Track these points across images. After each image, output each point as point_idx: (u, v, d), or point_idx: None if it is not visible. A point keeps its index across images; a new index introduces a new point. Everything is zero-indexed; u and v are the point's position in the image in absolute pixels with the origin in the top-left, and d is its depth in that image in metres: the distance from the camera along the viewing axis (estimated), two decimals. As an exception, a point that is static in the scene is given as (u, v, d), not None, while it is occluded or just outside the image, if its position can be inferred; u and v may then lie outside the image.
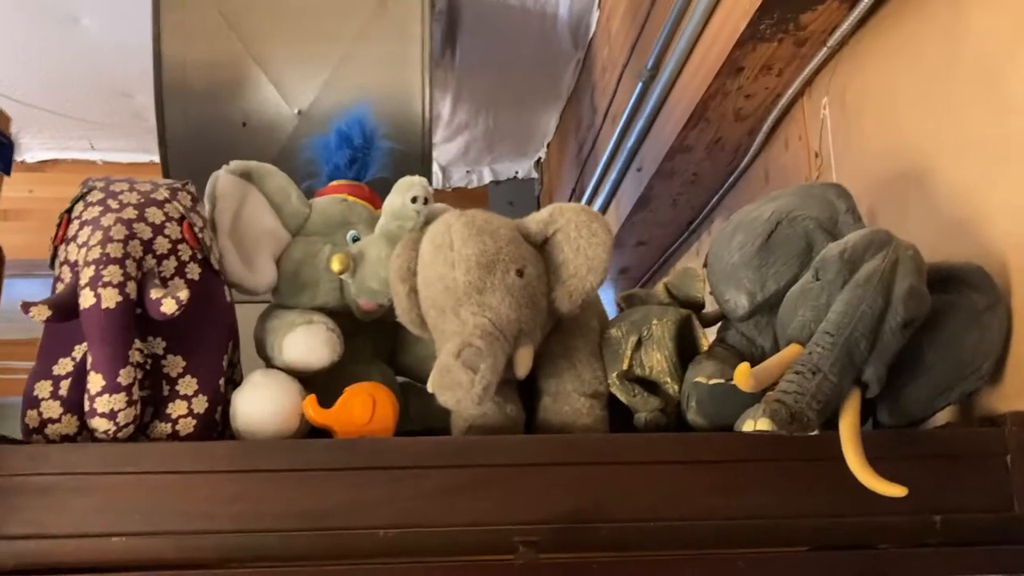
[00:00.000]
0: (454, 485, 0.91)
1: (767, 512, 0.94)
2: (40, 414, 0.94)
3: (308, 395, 1.00)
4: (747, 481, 0.94)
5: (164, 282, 0.96)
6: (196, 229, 1.01)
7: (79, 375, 0.94)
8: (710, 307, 1.15)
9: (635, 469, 0.94)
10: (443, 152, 3.34)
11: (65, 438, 0.94)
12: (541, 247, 1.04)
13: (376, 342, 1.17)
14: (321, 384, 1.04)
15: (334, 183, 1.19)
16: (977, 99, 1.08)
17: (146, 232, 0.96)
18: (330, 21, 1.68)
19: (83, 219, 0.96)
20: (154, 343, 0.97)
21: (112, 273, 0.90)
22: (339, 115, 1.23)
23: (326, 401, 1.00)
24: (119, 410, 0.90)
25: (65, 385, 0.95)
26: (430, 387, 0.93)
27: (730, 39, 1.40)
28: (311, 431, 1.01)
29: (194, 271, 1.00)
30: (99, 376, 0.90)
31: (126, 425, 0.91)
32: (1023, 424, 0.95)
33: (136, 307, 0.92)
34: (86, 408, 0.91)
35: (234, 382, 1.05)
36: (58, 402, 0.94)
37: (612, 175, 2.23)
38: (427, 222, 1.05)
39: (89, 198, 0.98)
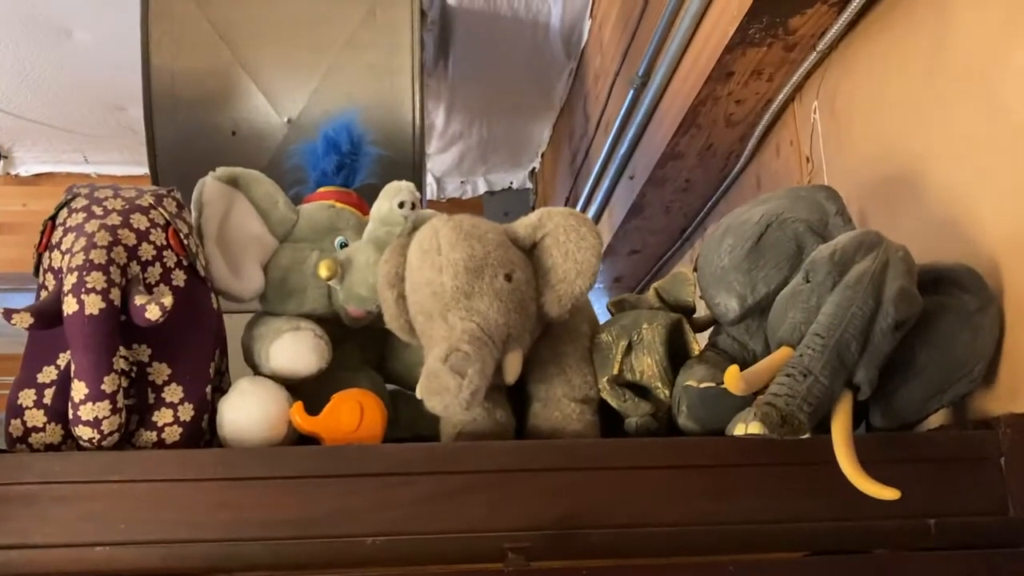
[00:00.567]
0: (443, 492, 0.90)
1: (759, 517, 0.93)
2: (24, 423, 0.93)
3: (295, 402, 0.99)
4: (739, 485, 0.93)
5: (149, 289, 0.95)
6: (182, 235, 1.00)
7: (63, 383, 0.93)
8: (701, 312, 1.15)
9: (626, 474, 0.93)
10: (437, 163, 3.34)
11: (49, 447, 0.93)
12: (530, 252, 1.03)
13: (365, 349, 1.16)
14: (309, 391, 1.03)
15: (322, 189, 1.18)
16: (965, 100, 1.08)
17: (131, 238, 0.95)
18: (319, 30, 1.68)
19: (67, 225, 0.95)
20: (139, 350, 0.96)
21: (96, 279, 0.89)
22: (327, 123, 1.22)
23: (314, 408, 0.99)
24: (103, 418, 0.89)
25: (49, 394, 0.94)
26: (418, 393, 0.92)
27: (719, 44, 1.40)
28: (299, 439, 1.00)
29: (179, 278, 0.99)
30: (83, 384, 0.89)
31: (111, 433, 0.90)
32: (1016, 426, 0.94)
33: (120, 314, 0.91)
34: (70, 416, 0.90)
35: (221, 390, 1.04)
36: (42, 411, 0.93)
37: (605, 184, 2.23)
38: (415, 227, 1.05)
39: (73, 204, 0.97)
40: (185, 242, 1.00)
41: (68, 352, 0.93)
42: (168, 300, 0.90)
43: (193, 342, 0.99)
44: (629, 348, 1.04)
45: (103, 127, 3.04)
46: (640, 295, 1.20)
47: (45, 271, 0.97)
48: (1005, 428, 0.95)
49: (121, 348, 0.93)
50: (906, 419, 0.97)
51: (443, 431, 1.02)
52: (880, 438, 0.97)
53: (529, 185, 3.57)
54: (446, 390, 0.89)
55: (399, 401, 1.15)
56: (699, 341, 1.09)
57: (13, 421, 0.93)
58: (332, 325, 1.10)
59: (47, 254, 0.97)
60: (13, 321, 0.89)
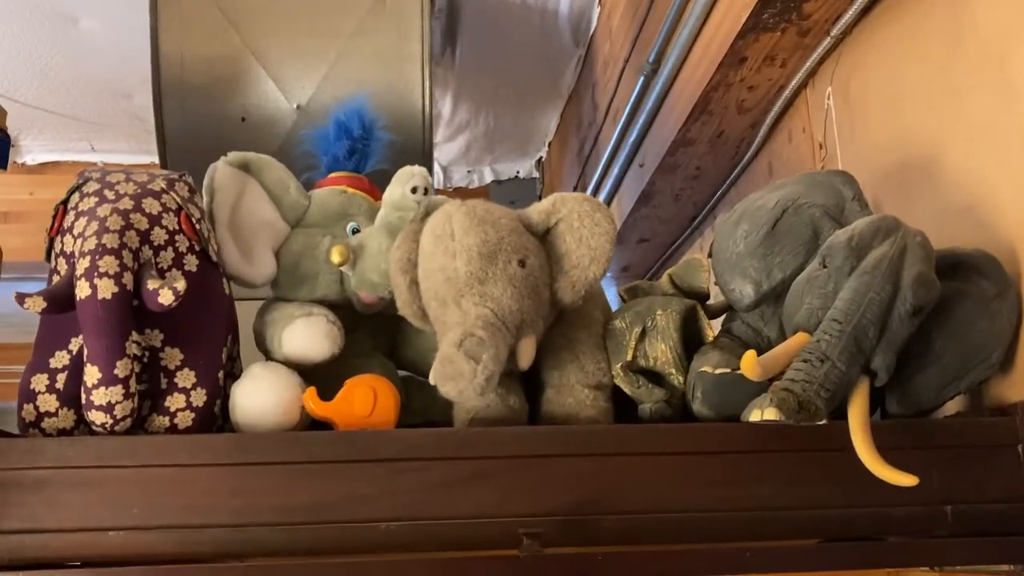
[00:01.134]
0: (456, 477, 0.90)
1: (774, 503, 0.92)
2: (37, 408, 0.92)
3: (308, 388, 0.99)
4: (754, 472, 0.93)
5: (161, 273, 0.95)
6: (194, 220, 0.99)
7: (76, 368, 0.92)
8: (715, 298, 1.14)
9: (640, 460, 0.93)
10: (444, 152, 3.33)
11: (62, 432, 0.93)
12: (543, 237, 1.03)
13: (376, 335, 1.16)
14: (321, 377, 1.02)
15: (333, 175, 1.18)
16: (983, 86, 1.07)
17: (143, 223, 0.94)
18: (329, 16, 1.67)
19: (79, 210, 0.95)
20: (152, 335, 0.95)
21: (108, 264, 0.89)
22: (338, 110, 1.22)
23: (326, 394, 0.98)
24: (116, 403, 0.89)
25: (62, 378, 0.93)
26: (432, 378, 0.91)
27: (732, 29, 1.39)
28: (311, 424, 1.00)
29: (192, 262, 0.98)
30: (95, 368, 0.89)
31: (123, 418, 0.90)
32: (1034, 413, 0.94)
33: (133, 298, 0.91)
34: (83, 401, 0.90)
35: (233, 376, 1.04)
36: (54, 396, 0.93)
37: (614, 172, 2.22)
38: (427, 213, 1.04)
39: (85, 189, 0.96)
40: (197, 227, 1.00)
41: (80, 337, 0.92)
42: (181, 285, 0.89)
43: (206, 327, 0.99)
44: (643, 334, 1.03)
45: (109, 115, 3.03)
46: (653, 282, 1.19)
47: (57, 255, 0.96)
48: (1022, 415, 0.94)
49: (133, 333, 0.92)
50: (922, 406, 0.96)
51: (456, 417, 1.02)
52: (896, 424, 0.96)
53: (536, 174, 3.56)
54: (461, 375, 0.89)
55: (411, 387, 1.15)
56: (712, 327, 1.08)
57: (26, 406, 0.93)
58: (344, 311, 1.09)
59: (59, 238, 0.96)
60: (26, 305, 0.88)
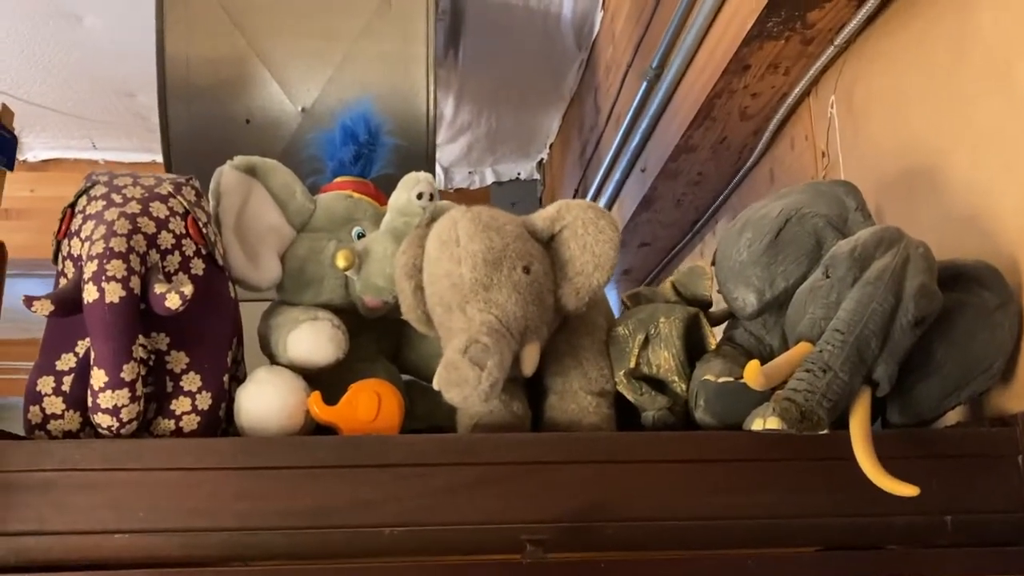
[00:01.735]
0: (460, 483, 0.90)
1: (776, 512, 0.93)
2: (43, 410, 0.93)
3: (313, 392, 0.99)
4: (756, 480, 0.93)
5: (168, 277, 0.95)
6: (200, 224, 1.00)
7: (82, 371, 0.93)
8: (717, 306, 1.15)
9: (643, 468, 0.93)
10: (445, 153, 3.34)
11: (68, 434, 0.93)
12: (548, 244, 1.03)
13: (381, 340, 1.16)
14: (325, 381, 1.03)
15: (339, 179, 1.18)
16: (987, 96, 1.07)
17: (150, 227, 0.95)
18: (334, 18, 1.68)
19: (86, 213, 0.95)
20: (158, 339, 0.96)
21: (116, 268, 0.89)
22: (343, 112, 1.22)
23: (330, 399, 0.99)
24: (122, 406, 0.89)
25: (68, 381, 0.94)
26: (436, 384, 0.92)
27: (737, 37, 1.40)
28: (316, 428, 1.00)
29: (198, 266, 0.99)
30: (102, 372, 0.89)
31: (129, 421, 0.90)
32: (1035, 424, 0.95)
33: (140, 302, 0.91)
34: (89, 404, 0.90)
35: (238, 379, 1.05)
36: (60, 398, 0.93)
37: (615, 176, 2.22)
38: (433, 218, 1.05)
39: (92, 192, 0.97)
40: (204, 231, 1.00)
41: (87, 339, 0.93)
42: (188, 289, 0.90)
43: (211, 331, 0.99)
44: (646, 341, 1.04)
45: (112, 113, 3.03)
46: (655, 288, 1.20)
47: (64, 258, 0.97)
48: (1023, 425, 0.95)
49: (140, 336, 0.92)
50: (924, 416, 0.97)
51: (460, 423, 1.02)
52: (897, 434, 0.96)
53: (537, 176, 3.57)
54: (465, 381, 0.89)
55: (414, 392, 1.15)
56: (715, 335, 1.09)
57: (32, 408, 0.93)
58: (349, 316, 1.10)
59: (66, 241, 0.97)
60: (33, 308, 0.89)
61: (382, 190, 1.19)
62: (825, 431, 0.87)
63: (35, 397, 0.93)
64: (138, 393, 0.91)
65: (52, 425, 0.93)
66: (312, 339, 1.03)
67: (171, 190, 0.99)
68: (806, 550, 0.95)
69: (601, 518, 0.91)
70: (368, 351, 1.13)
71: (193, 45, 1.62)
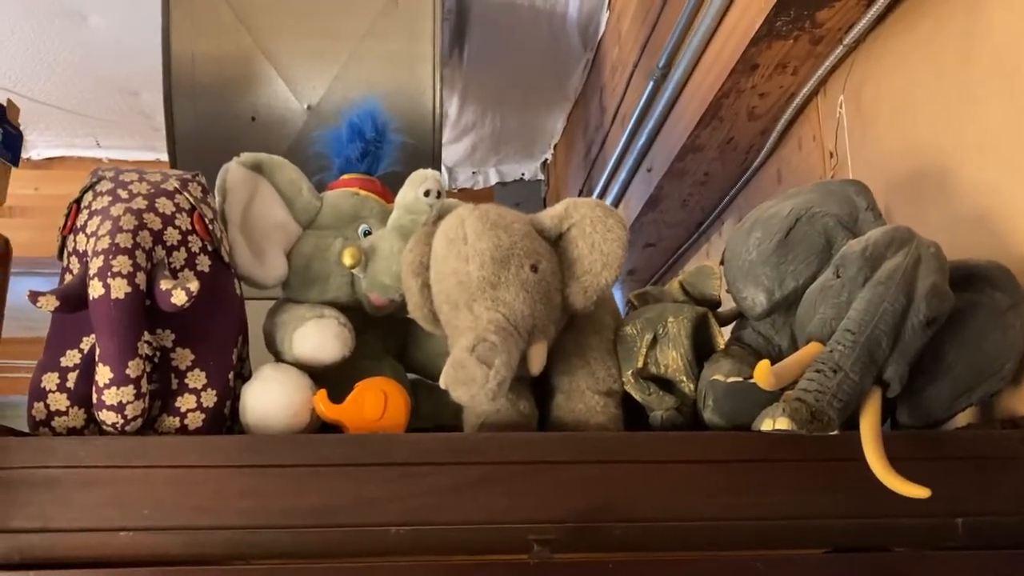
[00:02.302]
0: (466, 482, 0.90)
1: (784, 513, 0.92)
2: (47, 406, 0.92)
3: (319, 390, 0.99)
4: (765, 481, 0.93)
5: (174, 273, 0.95)
6: (207, 220, 0.99)
7: (87, 367, 0.92)
8: (725, 306, 1.14)
9: (651, 468, 0.92)
10: (449, 153, 3.33)
11: (72, 431, 0.92)
12: (555, 242, 1.02)
13: (387, 338, 1.16)
14: (331, 379, 1.02)
15: (345, 176, 1.18)
16: (997, 96, 1.06)
17: (156, 223, 0.94)
18: (341, 17, 1.67)
19: (92, 209, 0.94)
20: (163, 335, 0.95)
21: (122, 263, 0.89)
22: (349, 111, 1.22)
23: (336, 397, 0.98)
24: (127, 403, 0.89)
25: (72, 377, 0.93)
26: (443, 382, 0.91)
27: (745, 36, 1.39)
28: (321, 426, 1.00)
29: (204, 263, 0.98)
30: (107, 368, 0.88)
31: (134, 418, 0.90)
32: (1046, 426, 0.94)
33: (145, 298, 0.91)
34: (94, 400, 0.90)
35: (243, 377, 1.04)
36: (65, 395, 0.93)
37: (621, 176, 2.21)
38: (440, 216, 1.04)
39: (98, 188, 0.96)
40: (210, 227, 0.99)
41: (92, 336, 0.92)
42: (194, 285, 0.89)
43: (217, 328, 0.99)
44: (654, 341, 1.03)
45: (116, 111, 3.03)
46: (663, 288, 1.19)
47: (69, 254, 0.96)
48: (1034, 428, 0.94)
49: (145, 333, 0.92)
50: (934, 417, 0.96)
51: (466, 421, 1.01)
52: (907, 436, 0.96)
53: (541, 176, 3.56)
54: (473, 380, 0.88)
55: (419, 391, 1.14)
56: (723, 335, 1.08)
57: (36, 404, 0.93)
58: (354, 313, 1.09)
59: (71, 237, 0.96)
60: (39, 304, 0.88)
61: (388, 188, 1.18)
62: (835, 432, 0.87)
63: (39, 393, 0.93)
64: (143, 390, 0.90)
65: (56, 422, 0.92)
66: (318, 337, 1.02)
67: (177, 186, 0.99)
68: (815, 552, 0.95)
69: (608, 518, 0.90)
70: (374, 349, 1.13)
71: (199, 43, 1.61)
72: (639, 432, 0.99)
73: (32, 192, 3.27)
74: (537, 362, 0.97)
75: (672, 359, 1.02)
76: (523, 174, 3.57)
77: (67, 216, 0.97)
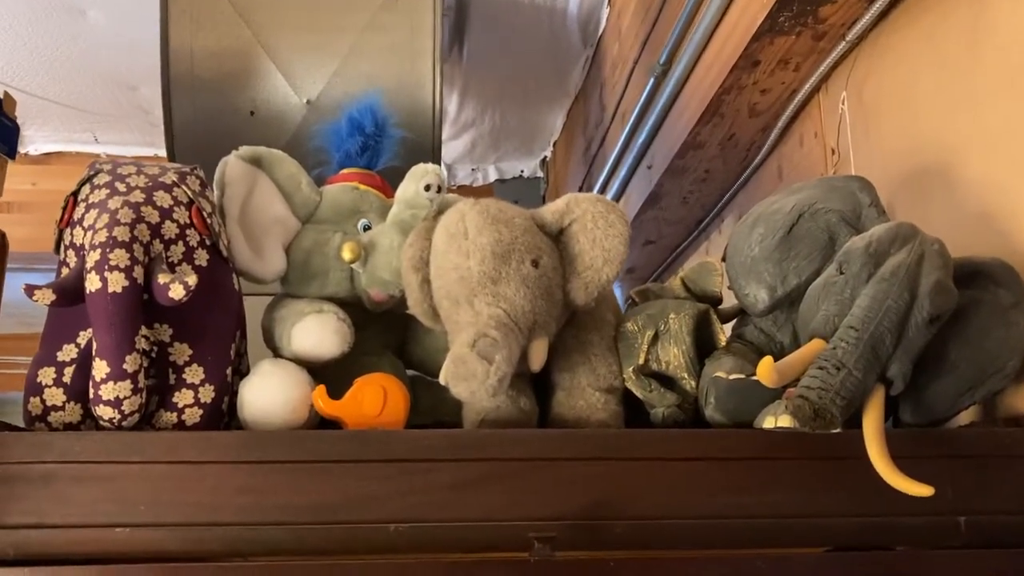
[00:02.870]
0: (467, 479, 0.89)
1: (786, 511, 0.91)
2: (43, 401, 0.91)
3: (318, 386, 0.98)
4: (766, 479, 0.92)
5: (172, 267, 0.94)
6: (205, 214, 0.98)
7: (83, 362, 0.91)
8: (727, 302, 1.13)
9: (652, 465, 0.92)
10: (448, 149, 3.32)
11: (68, 426, 0.91)
12: (556, 238, 1.02)
13: (386, 334, 1.15)
14: (329, 375, 1.01)
15: (345, 171, 1.17)
16: (1002, 92, 1.06)
17: (154, 216, 0.93)
18: (341, 11, 1.66)
19: (89, 202, 0.93)
20: (160, 330, 0.94)
21: (119, 257, 0.88)
22: (348, 105, 1.21)
23: (335, 393, 0.97)
24: (124, 398, 0.88)
25: (69, 372, 0.92)
26: (443, 378, 0.90)
27: (747, 32, 1.38)
28: (320, 422, 0.99)
29: (202, 257, 0.97)
30: (104, 363, 0.88)
31: (131, 413, 0.89)
32: (1049, 424, 0.93)
33: (143, 292, 0.90)
34: (90, 395, 0.89)
35: (241, 372, 1.03)
36: (61, 389, 0.92)
37: (621, 173, 2.21)
38: (440, 211, 1.03)
39: (96, 181, 0.95)
40: (208, 221, 0.99)
41: (88, 330, 0.91)
42: (192, 279, 0.88)
43: (215, 323, 0.98)
44: (655, 338, 1.02)
45: (114, 107, 3.02)
46: (664, 284, 1.18)
47: (66, 248, 0.96)
48: (1037, 426, 0.94)
49: (143, 327, 0.91)
50: (937, 415, 0.95)
51: (466, 418, 1.01)
52: (910, 434, 0.95)
53: (540, 174, 3.55)
54: (473, 376, 0.88)
55: (419, 387, 1.13)
56: (725, 331, 1.08)
57: (32, 399, 0.92)
58: (353, 309, 1.08)
59: (68, 230, 0.95)
60: (35, 298, 0.87)
61: (389, 182, 1.17)
62: (838, 430, 0.86)
63: (35, 388, 0.92)
64: (140, 385, 0.89)
65: (53, 417, 0.91)
66: (317, 332, 1.01)
67: (175, 179, 0.98)
68: (816, 550, 0.94)
69: (609, 516, 0.89)
70: (373, 345, 1.12)
71: (198, 37, 1.60)
72: (640, 429, 0.98)
73: (30, 187, 3.26)
74: (538, 358, 0.96)
75: (673, 356, 1.02)
76: (522, 171, 3.56)
77: (64, 209, 0.96)
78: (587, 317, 1.05)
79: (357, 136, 1.16)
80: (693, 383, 1.01)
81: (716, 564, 0.91)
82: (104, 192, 0.93)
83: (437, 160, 1.67)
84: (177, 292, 0.88)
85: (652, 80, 1.90)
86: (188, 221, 0.96)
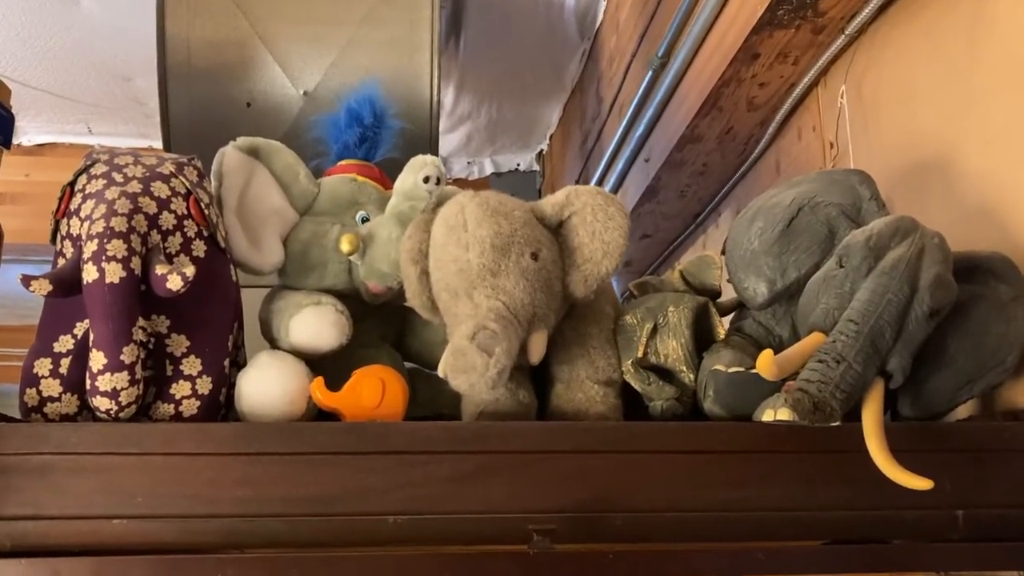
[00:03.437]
0: (466, 471, 0.89)
1: (785, 504, 0.91)
2: (39, 392, 0.91)
3: (316, 377, 0.97)
4: (765, 472, 0.92)
5: (169, 258, 0.93)
6: (202, 205, 0.98)
7: (80, 353, 0.91)
8: (726, 295, 1.13)
9: (650, 458, 0.92)
10: (444, 143, 3.31)
11: (65, 417, 0.91)
12: (556, 230, 1.01)
13: (384, 326, 1.15)
14: (327, 367, 1.01)
15: (343, 162, 1.16)
16: (1002, 87, 1.06)
17: (151, 207, 0.93)
18: (338, 3, 1.65)
19: (86, 192, 0.93)
20: (158, 321, 0.94)
21: (116, 247, 0.87)
22: (345, 97, 1.20)
23: (332, 384, 0.97)
24: (121, 389, 0.88)
25: (65, 363, 0.92)
26: (442, 371, 0.90)
27: (747, 25, 1.38)
28: (318, 414, 0.99)
29: (200, 248, 0.97)
30: (101, 354, 0.87)
31: (128, 405, 0.89)
32: (1047, 418, 0.93)
33: (140, 283, 0.89)
34: (87, 386, 0.88)
35: (238, 364, 1.03)
36: (58, 380, 0.91)
37: (618, 166, 2.20)
38: (439, 203, 1.03)
39: (93, 171, 0.95)
40: (206, 212, 0.98)
41: (85, 321, 0.91)
42: (190, 270, 0.88)
43: (212, 314, 0.97)
44: (654, 331, 1.02)
45: (108, 97, 3.00)
46: (663, 278, 1.18)
47: (63, 238, 0.95)
48: (1036, 420, 0.94)
49: (140, 319, 0.91)
50: (935, 409, 0.96)
51: (464, 410, 1.00)
52: (908, 427, 0.95)
53: (536, 167, 3.55)
54: (473, 368, 0.87)
55: (416, 379, 1.13)
56: (723, 325, 1.07)
57: (28, 390, 0.91)
58: (352, 301, 1.08)
59: (65, 220, 0.95)
60: (31, 288, 0.86)
61: (387, 174, 1.17)
62: (837, 423, 0.86)
63: (32, 379, 0.91)
64: (137, 376, 0.89)
65: (49, 408, 0.91)
66: (315, 324, 1.01)
67: (173, 170, 0.97)
68: (815, 543, 0.94)
69: (608, 509, 0.89)
70: (371, 337, 1.11)
71: (194, 27, 1.59)
72: (639, 422, 0.98)
73: (23, 178, 3.24)
74: (537, 351, 0.96)
75: (672, 349, 1.02)
76: (518, 164, 3.56)
77: (61, 199, 0.96)
78: (586, 310, 1.04)
79: (355, 127, 1.16)
80: (692, 376, 1.01)
81: (715, 556, 0.91)
82: (101, 182, 0.93)
83: (435, 152, 1.66)
84: (175, 283, 0.87)
85: (650, 73, 1.90)
86: (186, 212, 0.96)
